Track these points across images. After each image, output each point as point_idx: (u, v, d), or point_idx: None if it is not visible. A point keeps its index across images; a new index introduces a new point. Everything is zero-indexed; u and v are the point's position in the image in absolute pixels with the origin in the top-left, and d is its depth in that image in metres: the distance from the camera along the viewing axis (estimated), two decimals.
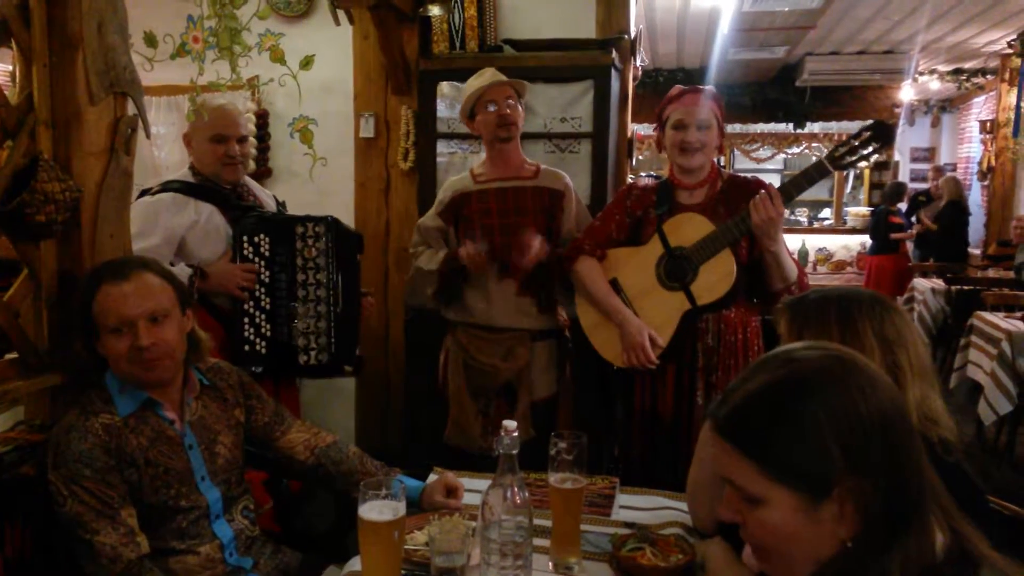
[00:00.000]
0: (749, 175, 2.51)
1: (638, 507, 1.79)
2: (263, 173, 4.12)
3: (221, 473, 1.71)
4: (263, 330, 2.55)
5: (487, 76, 2.66)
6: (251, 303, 2.54)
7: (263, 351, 2.54)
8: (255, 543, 1.77)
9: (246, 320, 2.53)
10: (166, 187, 2.54)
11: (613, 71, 3.70)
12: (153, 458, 1.61)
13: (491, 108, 2.63)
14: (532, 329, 2.69)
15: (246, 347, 2.51)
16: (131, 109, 1.87)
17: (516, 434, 1.33)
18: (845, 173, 10.10)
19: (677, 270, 2.37)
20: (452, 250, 2.67)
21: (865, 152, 2.23)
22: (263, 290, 2.54)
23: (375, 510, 1.28)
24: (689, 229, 2.35)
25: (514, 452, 1.32)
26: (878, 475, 0.88)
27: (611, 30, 3.80)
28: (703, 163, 2.39)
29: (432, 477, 1.94)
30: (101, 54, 1.76)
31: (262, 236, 2.55)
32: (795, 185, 2.29)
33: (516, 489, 1.30)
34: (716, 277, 2.31)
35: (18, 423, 1.76)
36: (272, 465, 1.95)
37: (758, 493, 0.92)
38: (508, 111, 2.62)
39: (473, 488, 1.84)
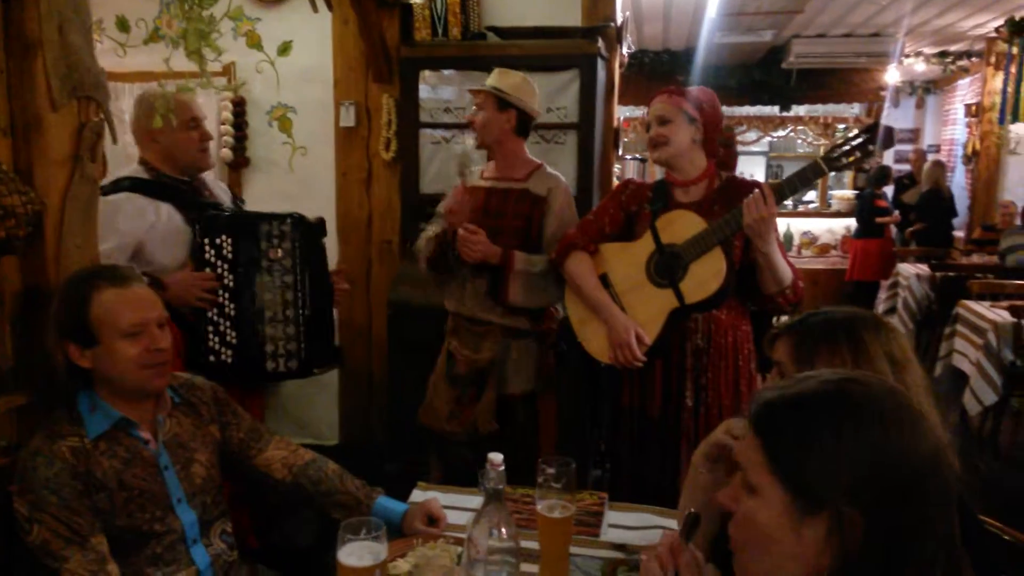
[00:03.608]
0: (748, 177, 2.48)
1: (627, 525, 1.74)
2: (241, 163, 4.02)
3: (199, 494, 1.65)
4: (228, 338, 2.41)
5: (490, 78, 2.71)
6: (215, 311, 2.40)
7: (229, 360, 2.41)
8: (232, 568, 1.71)
9: (210, 329, 2.39)
10: (117, 186, 2.35)
11: (599, 60, 3.63)
12: (127, 481, 1.54)
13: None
14: (504, 325, 2.68)
15: (211, 358, 2.39)
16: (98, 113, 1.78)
17: (502, 468, 1.27)
18: None
19: (667, 267, 2.32)
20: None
21: (861, 154, 2.17)
22: (226, 295, 2.40)
23: (354, 555, 1.22)
24: (681, 226, 2.30)
25: (500, 487, 1.26)
26: (876, 519, 0.87)
27: (597, 17, 3.72)
28: (669, 156, 2.36)
29: (416, 493, 1.89)
30: (63, 57, 1.67)
31: (224, 237, 2.39)
32: (789, 185, 2.23)
33: (503, 527, 1.25)
34: (706, 275, 2.26)
35: None
36: (248, 480, 1.89)
37: (756, 482, 0.93)
38: (472, 119, 2.70)
39: (459, 505, 1.79)
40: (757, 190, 2.17)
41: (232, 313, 2.40)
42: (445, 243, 2.64)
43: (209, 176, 2.62)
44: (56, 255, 1.69)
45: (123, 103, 3.98)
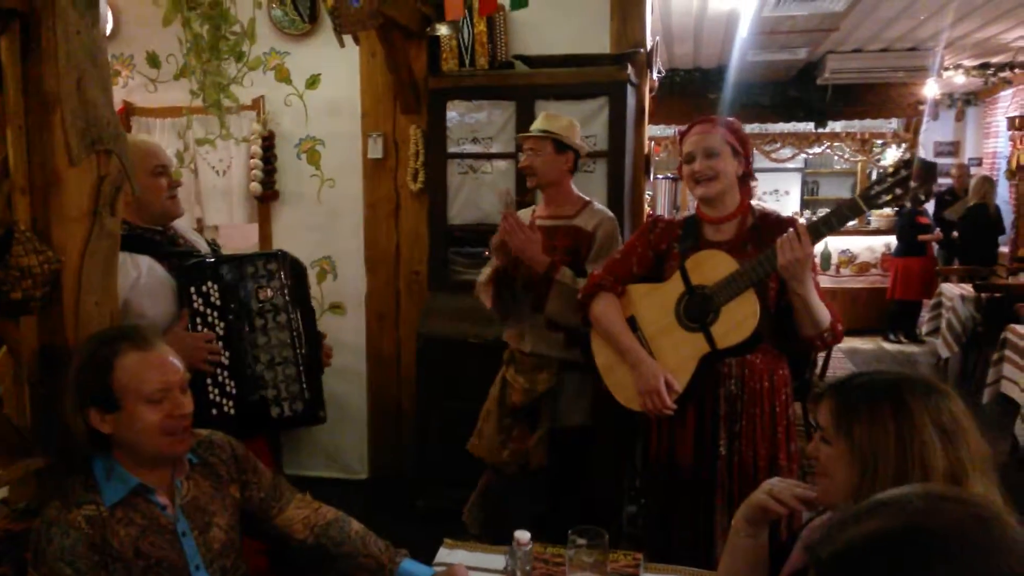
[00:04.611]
0: (782, 214, 2.37)
1: None
2: (269, 196, 4.02)
3: (217, 559, 1.60)
4: (228, 388, 2.25)
5: (539, 122, 2.82)
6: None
7: (232, 412, 2.25)
8: None
9: (209, 381, 2.23)
10: None
11: (629, 87, 3.56)
12: (144, 550, 1.50)
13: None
14: (560, 358, 2.75)
15: (213, 411, 2.23)
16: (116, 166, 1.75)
17: (529, 547, 1.20)
18: (869, 171, 9.86)
19: (698, 310, 2.22)
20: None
21: (902, 191, 2.07)
22: (220, 344, 2.25)
23: None
24: (712, 267, 2.21)
25: (528, 568, 1.19)
26: None
27: (626, 44, 3.66)
28: (719, 192, 2.25)
29: (443, 552, 1.82)
30: (81, 111, 1.64)
31: (210, 284, 2.25)
32: (825, 224, 2.14)
33: None
34: (738, 319, 2.15)
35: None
36: (269, 538, 1.84)
37: None
38: (526, 164, 2.79)
39: (488, 567, 1.72)
40: (792, 229, 2.07)
41: (227, 362, 2.26)
42: (502, 279, 2.73)
43: (182, 224, 2.48)
44: (74, 313, 1.66)
45: (152, 137, 4.00)
